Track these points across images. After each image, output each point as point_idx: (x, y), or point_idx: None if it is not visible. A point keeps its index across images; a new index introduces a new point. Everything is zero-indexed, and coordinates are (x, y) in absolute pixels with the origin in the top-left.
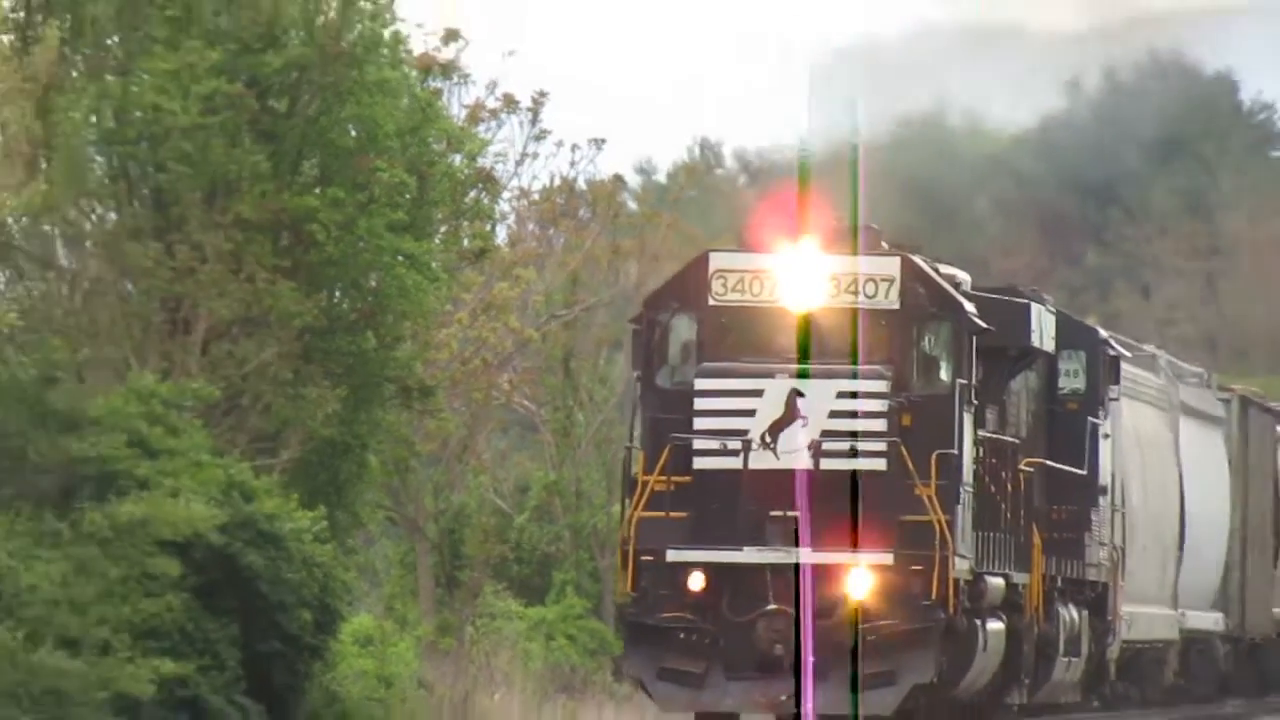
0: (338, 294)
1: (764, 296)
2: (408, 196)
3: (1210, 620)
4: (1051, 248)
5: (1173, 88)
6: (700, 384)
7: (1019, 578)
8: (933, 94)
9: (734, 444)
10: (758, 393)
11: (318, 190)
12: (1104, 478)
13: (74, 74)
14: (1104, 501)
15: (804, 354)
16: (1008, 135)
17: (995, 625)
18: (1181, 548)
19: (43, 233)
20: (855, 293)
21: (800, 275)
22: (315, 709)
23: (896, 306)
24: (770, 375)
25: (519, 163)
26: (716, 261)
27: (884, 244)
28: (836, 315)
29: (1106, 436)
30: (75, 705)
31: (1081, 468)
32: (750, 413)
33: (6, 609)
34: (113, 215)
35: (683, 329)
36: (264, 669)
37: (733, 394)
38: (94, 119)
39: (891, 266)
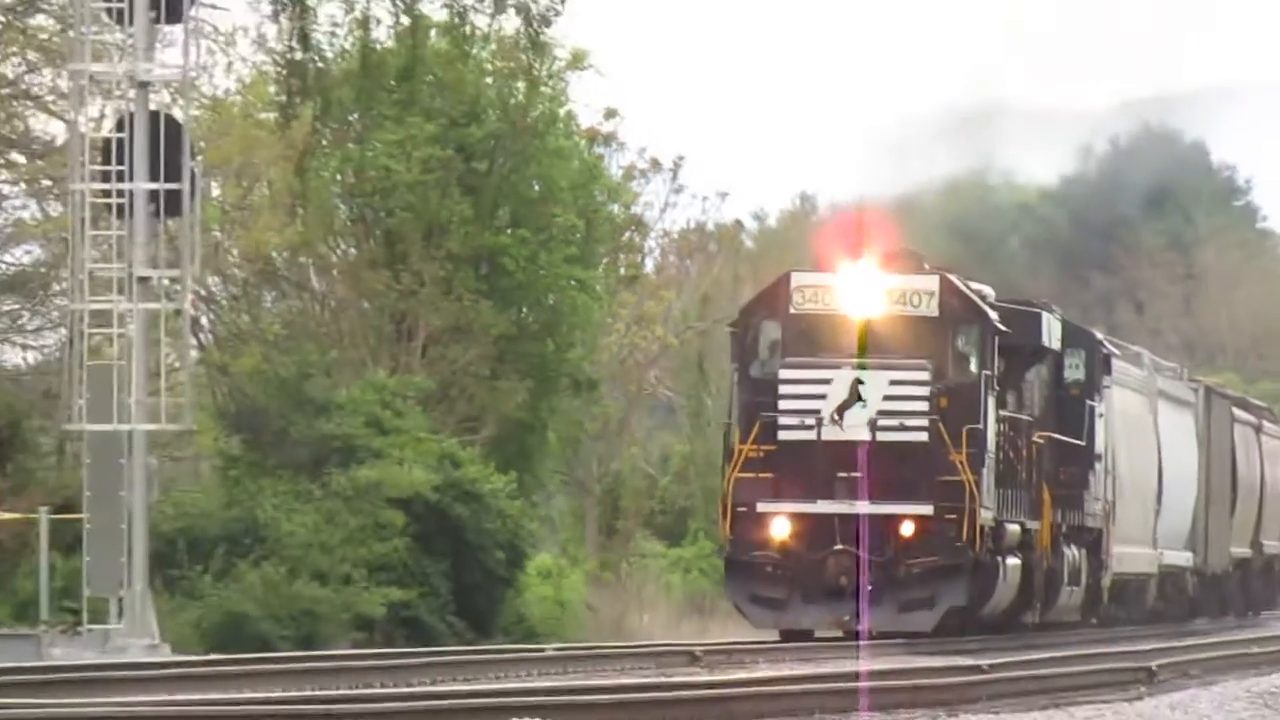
0: (524, 310)
1: (833, 306)
2: (578, 236)
3: (1182, 558)
4: (1066, 274)
5: (1160, 153)
6: (784, 374)
7: (1032, 524)
8: (980, 157)
9: (809, 420)
10: (828, 381)
11: (509, 231)
12: (1099, 448)
13: (323, 143)
14: (1099, 466)
15: (863, 351)
16: (1035, 189)
17: (1013, 561)
18: (1159, 501)
19: (300, 264)
20: (903, 303)
21: (860, 290)
22: (507, 626)
23: (936, 314)
24: (838, 367)
25: (662, 210)
26: (796, 279)
27: (925, 265)
28: (889, 321)
29: (1101, 416)
30: (324, 623)
31: (1081, 440)
32: (822, 396)
33: (272, 550)
34: (353, 250)
35: (770, 331)
36: (468, 595)
37: (808, 382)
38: (338, 177)
39: (931, 283)
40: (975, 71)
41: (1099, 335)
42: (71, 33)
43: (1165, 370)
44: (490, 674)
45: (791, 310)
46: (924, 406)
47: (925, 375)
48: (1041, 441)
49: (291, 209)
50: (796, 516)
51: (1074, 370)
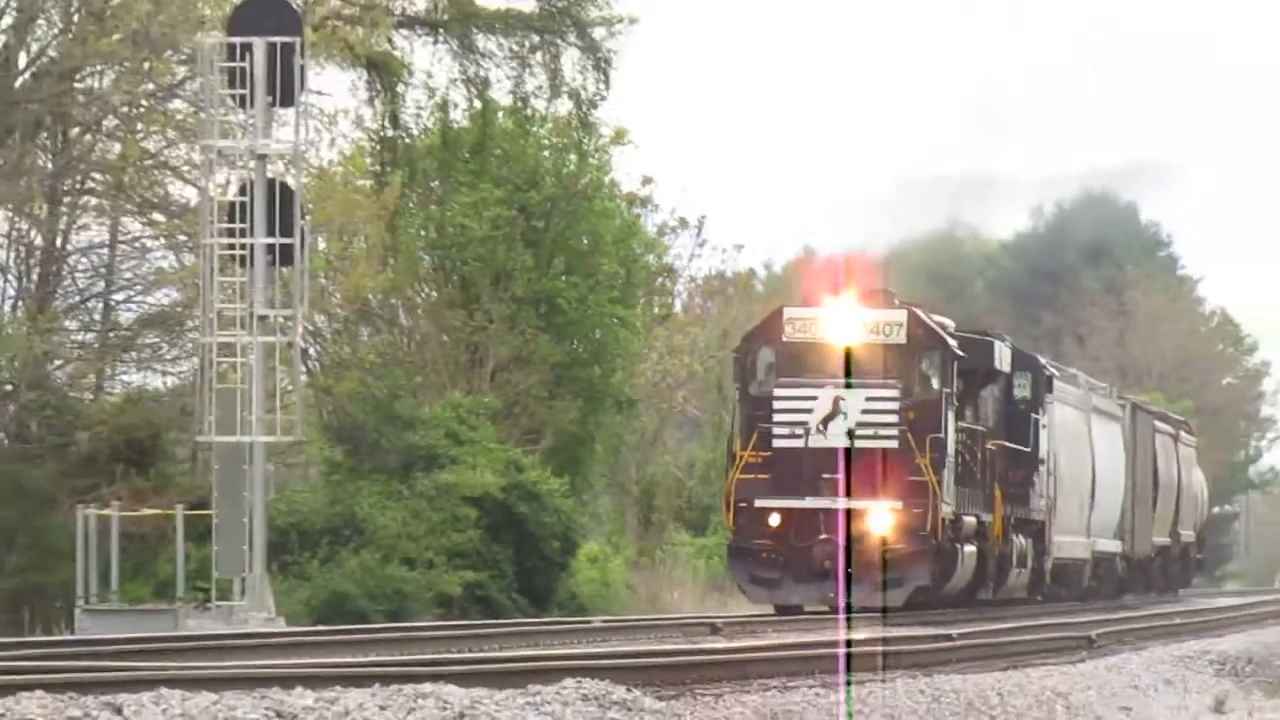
0: (575, 342)
1: (818, 336)
2: (619, 281)
3: (1112, 545)
4: (1020, 312)
5: (1099, 212)
6: (777, 392)
7: (986, 517)
8: (949, 217)
9: (799, 431)
10: (814, 398)
11: (563, 277)
12: (1043, 454)
13: (410, 205)
14: (1042, 469)
15: (844, 373)
16: (996, 242)
17: (970, 548)
18: (1093, 498)
19: (390, 304)
20: (877, 333)
21: (841, 322)
22: (561, 601)
23: (904, 342)
24: (822, 386)
25: (689, 260)
26: (788, 313)
27: (896, 301)
28: (865, 348)
29: (1044, 427)
30: (412, 600)
31: (1028, 447)
32: (809, 411)
33: (368, 540)
34: (434, 293)
35: (766, 356)
36: (529, 577)
37: (798, 399)
38: (422, 233)
39: (900, 316)
40: (952, 144)
41: (1043, 360)
42: (203, 114)
43: (1098, 389)
44: (548, 641)
45: (784, 339)
46: (894, 419)
47: (895, 393)
48: (994, 448)
49: (384, 259)
50: (788, 510)
51: (1021, 389)
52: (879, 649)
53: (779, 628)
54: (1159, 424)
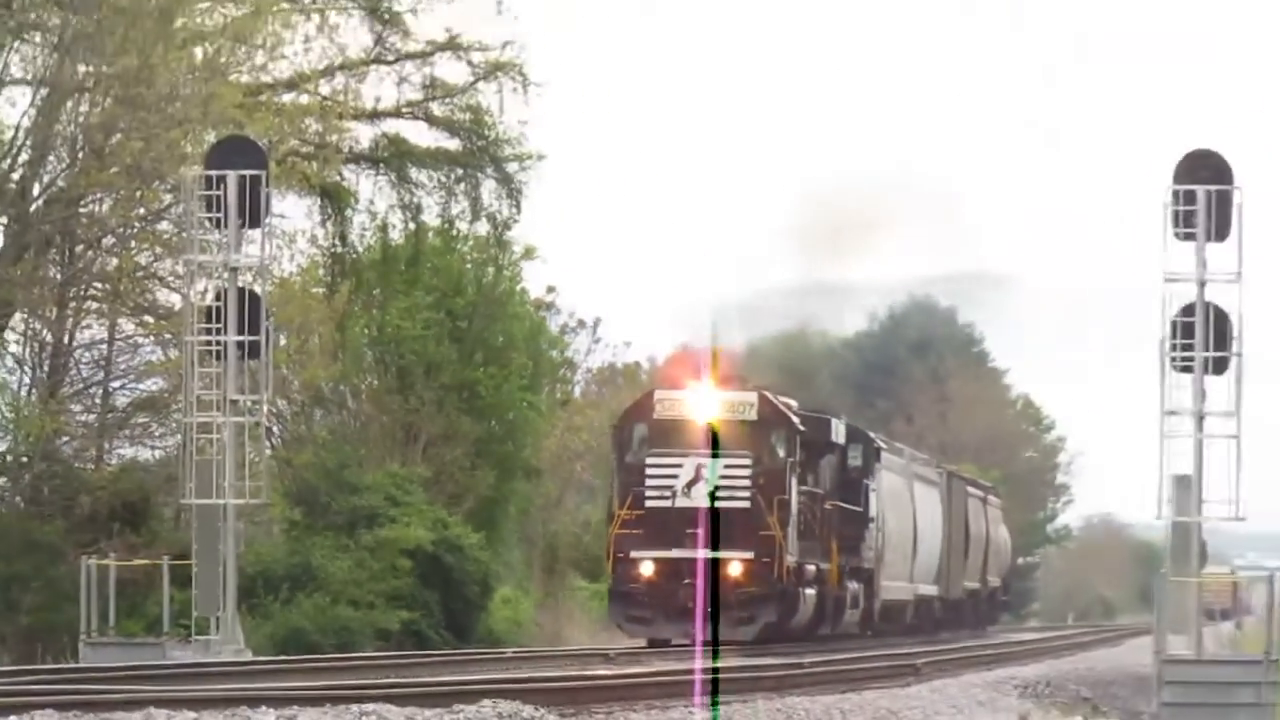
0: (492, 422)
1: (683, 413)
2: (529, 372)
3: (931, 589)
4: (859, 398)
5: (923, 315)
6: (649, 461)
7: (824, 566)
8: (800, 319)
9: (667, 493)
10: (680, 465)
11: (482, 369)
12: (872, 513)
13: (356, 308)
14: (872, 525)
15: (705, 445)
16: (840, 340)
17: (810, 591)
18: (914, 550)
19: (340, 391)
20: (732, 411)
21: (701, 402)
22: (480, 635)
23: (755, 419)
24: (687, 456)
25: (586, 354)
26: (658, 394)
27: (748, 384)
28: (722, 424)
29: (874, 490)
30: (356, 635)
31: (860, 507)
32: (676, 476)
33: (320, 585)
34: (375, 381)
35: (640, 430)
36: (454, 615)
37: (666, 466)
38: (366, 332)
39: (752, 397)
40: (797, 254)
41: (873, 434)
42: (185, 234)
43: (919, 459)
44: (469, 669)
45: (655, 416)
46: (747, 483)
47: (748, 462)
48: (830, 508)
49: (334, 354)
50: (658, 560)
51: (855, 458)
52: (734, 675)
53: (663, 657)
54: (970, 489)
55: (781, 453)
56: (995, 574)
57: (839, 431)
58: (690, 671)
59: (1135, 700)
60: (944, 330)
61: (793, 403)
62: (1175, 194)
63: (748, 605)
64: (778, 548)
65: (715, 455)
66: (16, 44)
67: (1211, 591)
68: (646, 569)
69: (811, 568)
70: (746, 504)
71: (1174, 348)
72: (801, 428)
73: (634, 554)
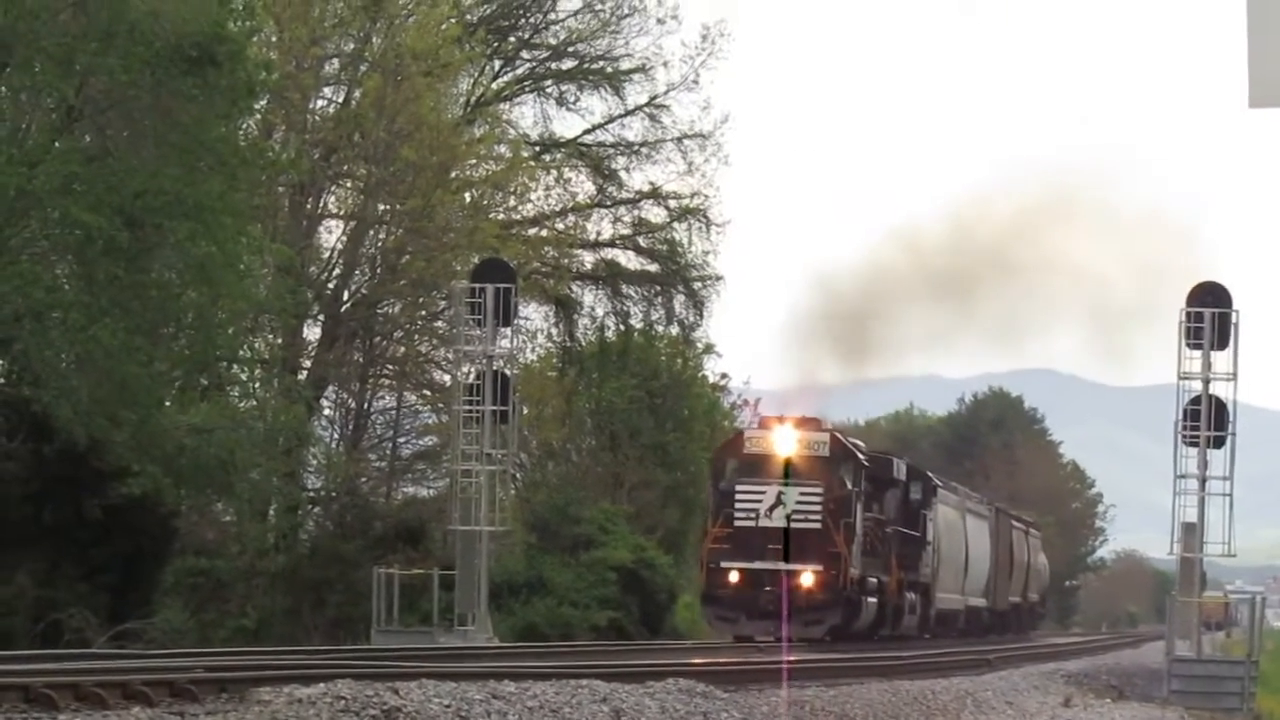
0: (679, 474)
1: (767, 449)
2: (706, 437)
3: (980, 601)
4: (951, 461)
5: (998, 402)
6: (738, 488)
7: (885, 578)
8: (905, 400)
9: (752, 514)
10: (763, 492)
11: (672, 434)
12: (930, 537)
13: (579, 388)
14: (929, 548)
15: (785, 475)
16: (934, 418)
17: (872, 599)
18: (966, 569)
19: (566, 448)
20: (808, 448)
21: (783, 440)
22: (667, 631)
23: (827, 455)
24: (769, 484)
25: (748, 424)
26: (748, 433)
27: (824, 426)
28: (799, 458)
29: (931, 519)
30: (575, 628)
31: (918, 532)
32: (760, 501)
33: (550, 591)
34: (593, 442)
35: (731, 463)
36: (649, 614)
37: (752, 492)
38: (586, 405)
39: (825, 436)
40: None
41: (930, 475)
42: (454, 330)
43: (973, 497)
44: (659, 655)
45: (744, 450)
46: (818, 508)
47: (820, 490)
48: (892, 531)
49: (562, 420)
50: (743, 570)
51: (915, 493)
52: (855, 664)
53: (832, 649)
54: (1015, 523)
55: (849, 483)
56: (1035, 591)
57: (900, 470)
58: (816, 660)
59: (1151, 688)
60: (1013, 411)
61: (861, 444)
62: (1187, 314)
63: (817, 609)
64: (843, 562)
65: (792, 484)
66: (333, 188)
67: (1209, 609)
68: (733, 577)
69: (873, 580)
70: (818, 525)
71: (1185, 428)
72: (866, 463)
73: (723, 564)
